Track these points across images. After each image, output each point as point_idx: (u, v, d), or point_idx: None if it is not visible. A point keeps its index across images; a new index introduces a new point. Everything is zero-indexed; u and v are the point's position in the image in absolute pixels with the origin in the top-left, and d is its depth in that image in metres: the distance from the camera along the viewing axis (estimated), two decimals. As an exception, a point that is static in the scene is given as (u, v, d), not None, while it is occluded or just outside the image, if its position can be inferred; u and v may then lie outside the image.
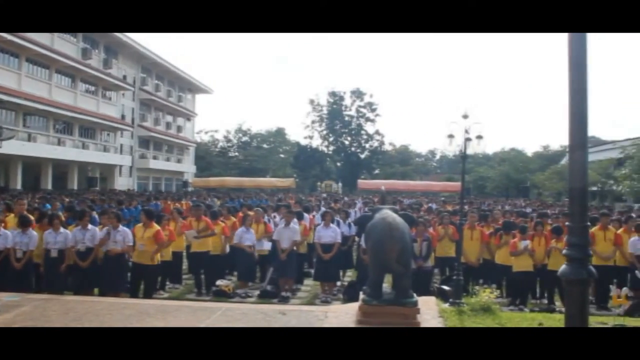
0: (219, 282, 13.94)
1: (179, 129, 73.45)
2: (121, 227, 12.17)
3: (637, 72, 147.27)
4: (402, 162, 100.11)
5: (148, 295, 12.27)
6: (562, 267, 4.94)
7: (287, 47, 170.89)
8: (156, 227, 12.68)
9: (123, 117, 57.56)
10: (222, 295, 13.44)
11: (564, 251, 5.14)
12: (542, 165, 70.94)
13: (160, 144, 68.85)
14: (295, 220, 14.67)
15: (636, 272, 12.72)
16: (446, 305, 10.97)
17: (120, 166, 58.04)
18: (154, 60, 61.95)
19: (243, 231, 14.27)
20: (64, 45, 45.60)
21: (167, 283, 14.51)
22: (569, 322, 4.84)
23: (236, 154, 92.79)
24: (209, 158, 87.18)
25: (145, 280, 12.52)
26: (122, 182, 57.42)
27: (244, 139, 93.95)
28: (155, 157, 66.00)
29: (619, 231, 14.26)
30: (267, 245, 14.78)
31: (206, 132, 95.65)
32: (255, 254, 14.30)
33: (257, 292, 13.99)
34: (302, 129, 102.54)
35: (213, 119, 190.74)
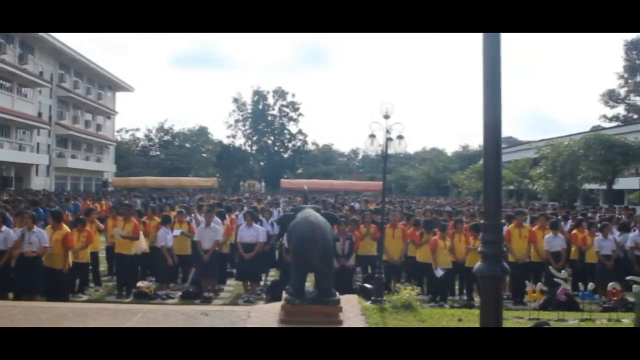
0: (139, 284, 13.70)
1: (99, 127, 71.83)
2: (36, 229, 11.76)
3: (551, 75, 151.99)
4: (325, 161, 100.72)
5: (62, 299, 11.87)
6: (477, 264, 5.07)
7: (209, 45, 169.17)
8: (65, 229, 12.32)
9: (40, 114, 55.77)
10: (143, 297, 13.21)
11: (479, 248, 5.28)
12: (461, 164, 72.39)
13: (79, 143, 67.14)
14: (217, 220, 14.55)
15: (550, 268, 13.13)
16: (368, 303, 11.09)
17: (37, 165, 56.27)
18: (72, 57, 60.28)
19: (165, 232, 14.09)
20: (-25, 39, 44.00)
21: (91, 285, 14.23)
22: (484, 317, 4.96)
23: (158, 153, 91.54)
24: (130, 157, 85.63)
25: (57, 284, 12.09)
26: (39, 182, 55.67)
27: (166, 138, 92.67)
28: (73, 156, 64.30)
29: (534, 228, 14.73)
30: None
31: (127, 131, 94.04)
32: (174, 256, 14.13)
33: (179, 293, 13.82)
34: (225, 128, 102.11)
35: (134, 118, 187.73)
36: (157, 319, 9.19)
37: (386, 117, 11.82)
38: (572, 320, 10.44)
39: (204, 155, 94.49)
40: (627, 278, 11.96)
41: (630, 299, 11.51)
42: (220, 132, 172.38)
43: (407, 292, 10.94)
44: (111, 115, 77.25)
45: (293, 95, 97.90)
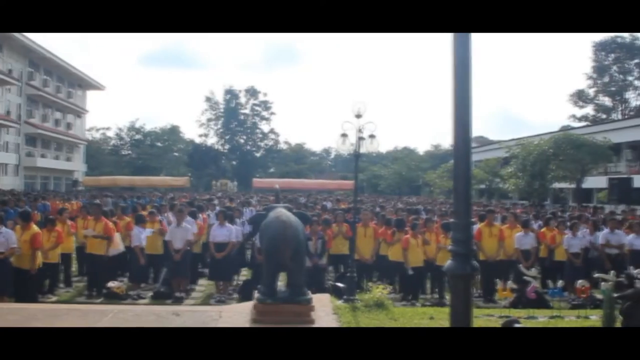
0: (110, 284, 13.57)
1: (69, 126, 70.97)
2: (4, 229, 11.60)
3: (519, 76, 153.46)
4: (297, 160, 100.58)
5: (31, 299, 11.72)
6: (447, 263, 5.11)
7: (180, 44, 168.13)
8: (34, 229, 12.20)
9: (8, 113, 54.96)
10: (113, 298, 13.10)
11: (449, 247, 5.32)
12: (433, 164, 72.77)
13: (48, 142, 66.34)
14: (188, 219, 14.49)
15: (520, 266, 13.27)
16: (340, 302, 11.12)
17: (6, 165, 55.49)
18: (42, 55, 59.48)
19: (139, 231, 13.98)
20: (-59, 37, 43.23)
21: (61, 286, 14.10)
22: (454, 315, 4.99)
23: (129, 152, 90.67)
24: (101, 156, 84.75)
25: (25, 284, 11.93)
26: (8, 182, 54.86)
27: (137, 137, 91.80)
28: (43, 155, 63.49)
29: (504, 227, 14.89)
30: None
31: (97, 130, 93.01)
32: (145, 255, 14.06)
33: (150, 294, 13.74)
34: (197, 127, 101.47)
35: (105, 116, 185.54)
36: (127, 319, 9.11)
37: (358, 116, 11.86)
38: (541, 317, 10.55)
39: (176, 154, 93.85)
40: (595, 275, 12.15)
41: (599, 296, 11.65)
42: (192, 131, 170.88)
43: (379, 290, 10.98)
44: (81, 114, 76.40)
45: (265, 94, 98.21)
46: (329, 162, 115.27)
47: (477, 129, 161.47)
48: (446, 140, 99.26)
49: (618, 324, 8.92)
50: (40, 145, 64.30)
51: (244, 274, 15.91)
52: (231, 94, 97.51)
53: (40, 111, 63.37)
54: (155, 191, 46.69)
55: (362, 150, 12.36)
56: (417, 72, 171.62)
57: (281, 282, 9.87)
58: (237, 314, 9.51)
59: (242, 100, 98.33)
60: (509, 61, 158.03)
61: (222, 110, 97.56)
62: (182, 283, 13.86)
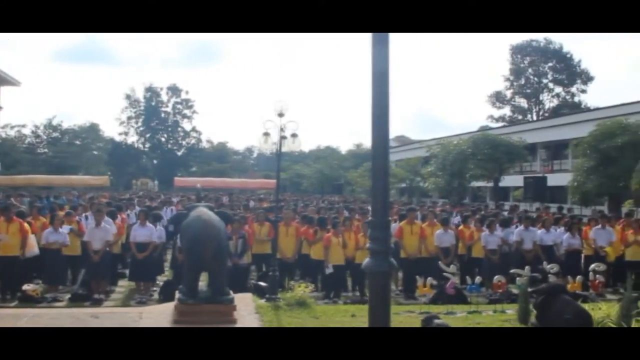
0: (25, 287, 13.14)
1: (-19, 123, 68.57)
2: None
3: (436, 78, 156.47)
4: (220, 159, 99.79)
5: None
6: (366, 260, 5.16)
7: (96, 40, 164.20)
8: None
9: None
10: (28, 301, 12.67)
11: (367, 245, 5.38)
12: (355, 163, 73.24)
13: (-41, 139, 63.89)
14: (107, 219, 14.19)
15: (439, 263, 13.53)
16: (262, 301, 11.12)
17: None
18: (-49, 50, 57.29)
19: (50, 232, 13.62)
20: None
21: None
22: (373, 312, 5.05)
23: (46, 150, 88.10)
24: (16, 154, 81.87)
25: None
26: None
27: (55, 134, 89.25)
28: (-47, 154, 61.12)
29: (424, 225, 15.18)
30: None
31: (12, 127, 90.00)
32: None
33: (67, 296, 13.38)
34: (117, 125, 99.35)
35: (20, 113, 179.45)
36: (44, 322, 8.88)
37: (280, 115, 11.88)
38: (460, 312, 10.81)
39: (95, 152, 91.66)
40: (511, 271, 12.55)
41: (515, 290, 12.02)
42: (112, 129, 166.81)
43: (301, 289, 11.04)
44: (-5, 111, 73.87)
45: (187, 93, 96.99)
46: (252, 161, 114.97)
47: (398, 128, 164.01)
48: (368, 139, 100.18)
49: (532, 318, 9.23)
50: (-50, 143, 61.81)
51: (166, 274, 15.70)
52: (152, 91, 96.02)
53: (-50, 107, 60.87)
54: (73, 190, 45.53)
55: (285, 149, 12.39)
56: (340, 72, 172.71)
57: (202, 282, 9.81)
58: (158, 315, 9.41)
59: (164, 98, 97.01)
60: (430, 63, 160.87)
61: (142, 108, 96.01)
62: (101, 284, 13.56)
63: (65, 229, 14.02)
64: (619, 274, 15.42)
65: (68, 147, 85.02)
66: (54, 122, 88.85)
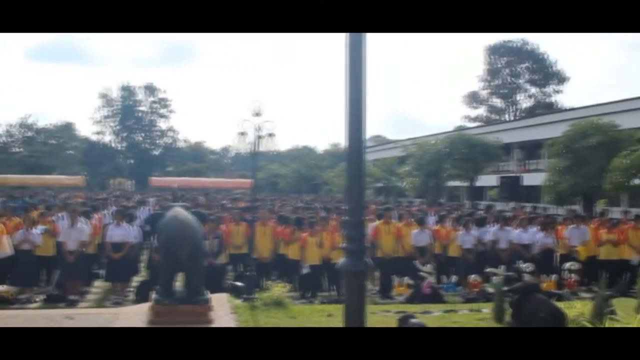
0: (-2, 288, 13.01)
1: (-46, 122, 67.68)
2: None
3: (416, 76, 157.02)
4: (196, 159, 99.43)
5: None
6: (341, 260, 5.16)
7: (69, 38, 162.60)
8: None
9: None
10: (2, 302, 12.55)
11: (342, 244, 5.40)
12: (332, 162, 73.31)
13: None
14: (82, 219, 14.07)
15: (415, 262, 13.59)
16: (239, 301, 11.10)
17: None
18: None
19: (23, 232, 13.48)
20: None
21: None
22: (348, 312, 5.06)
23: (20, 149, 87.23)
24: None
25: None
26: None
27: (29, 134, 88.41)
28: None
29: (400, 224, 15.23)
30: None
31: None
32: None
33: (42, 297, 13.25)
34: (92, 125, 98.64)
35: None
36: (18, 324, 8.77)
37: (257, 115, 11.88)
38: (436, 311, 10.85)
39: (70, 152, 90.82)
40: (487, 270, 12.63)
41: (490, 289, 12.10)
42: (87, 129, 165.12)
43: (278, 289, 11.04)
44: (-33, 110, 73.06)
45: (164, 92, 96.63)
46: (228, 160, 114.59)
47: (375, 128, 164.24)
48: (344, 139, 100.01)
49: (507, 316, 9.30)
50: None
51: (142, 274, 15.60)
52: (128, 90, 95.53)
53: None
54: (48, 190, 45.09)
55: (261, 148, 12.41)
56: (316, 71, 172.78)
57: (179, 283, 9.76)
58: (134, 316, 9.36)
59: (140, 97, 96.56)
60: (407, 63, 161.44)
61: (118, 107, 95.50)
62: (76, 285, 13.45)
63: (39, 229, 13.88)
64: (592, 273, 15.63)
65: (43, 147, 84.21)
66: (29, 121, 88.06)
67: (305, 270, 13.61)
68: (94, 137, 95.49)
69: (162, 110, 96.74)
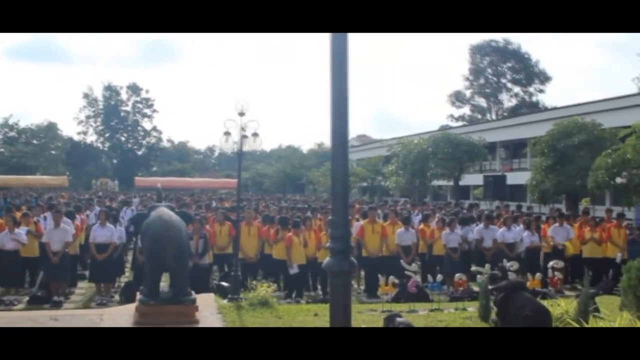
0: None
1: None
2: None
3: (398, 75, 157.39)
4: (181, 158, 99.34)
5: None
6: (326, 260, 5.14)
7: (51, 38, 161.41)
8: None
9: None
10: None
11: (327, 244, 5.38)
12: (317, 162, 73.39)
13: None
14: (66, 220, 13.98)
15: (401, 261, 13.60)
16: (225, 301, 11.08)
17: None
18: None
19: (6, 234, 13.38)
20: None
21: None
22: (334, 311, 5.04)
23: (2, 150, 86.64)
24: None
25: None
26: None
27: (11, 134, 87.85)
28: None
29: (386, 224, 15.25)
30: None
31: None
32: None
33: (26, 298, 13.15)
34: (76, 125, 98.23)
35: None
36: (1, 325, 8.71)
37: (241, 114, 11.84)
38: (422, 310, 10.88)
39: (53, 152, 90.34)
40: (472, 269, 12.68)
41: (475, 288, 12.14)
42: (70, 129, 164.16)
43: (264, 289, 11.02)
44: (-51, 110, 72.42)
45: (147, 92, 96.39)
46: (213, 160, 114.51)
47: (360, 128, 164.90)
48: (329, 139, 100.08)
49: (493, 315, 9.34)
50: None
51: (127, 275, 15.54)
52: (111, 90, 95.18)
53: None
54: (30, 191, 44.81)
55: (246, 148, 12.36)
56: (301, 71, 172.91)
57: (164, 283, 9.73)
58: (119, 316, 9.33)
59: (123, 97, 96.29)
60: (391, 62, 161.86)
61: (101, 107, 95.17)
62: (61, 286, 13.36)
63: (22, 230, 13.77)
64: (576, 271, 15.75)
65: (25, 147, 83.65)
66: (10, 122, 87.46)
67: (293, 271, 13.59)
68: (77, 137, 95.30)
69: (146, 110, 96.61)
